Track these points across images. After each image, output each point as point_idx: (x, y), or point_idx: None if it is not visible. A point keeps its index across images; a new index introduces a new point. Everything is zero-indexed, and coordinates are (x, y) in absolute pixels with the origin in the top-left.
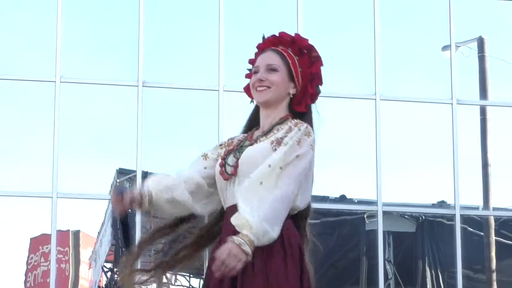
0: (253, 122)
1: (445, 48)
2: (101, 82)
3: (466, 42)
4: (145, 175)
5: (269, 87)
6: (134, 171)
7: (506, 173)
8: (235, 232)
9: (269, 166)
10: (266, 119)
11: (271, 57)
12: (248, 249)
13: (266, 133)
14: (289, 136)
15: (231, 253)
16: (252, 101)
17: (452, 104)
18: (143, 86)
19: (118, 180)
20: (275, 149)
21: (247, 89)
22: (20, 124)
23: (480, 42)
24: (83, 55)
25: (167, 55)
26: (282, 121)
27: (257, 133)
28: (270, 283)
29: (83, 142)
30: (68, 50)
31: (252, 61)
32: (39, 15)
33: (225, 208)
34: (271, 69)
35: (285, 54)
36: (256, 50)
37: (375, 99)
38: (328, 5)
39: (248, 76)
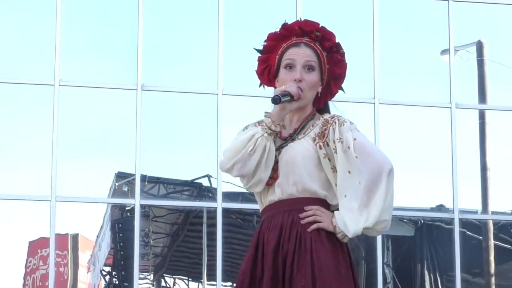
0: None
1: (444, 52)
2: (100, 85)
3: (465, 46)
4: (144, 178)
5: (304, 89)
6: (133, 175)
7: (505, 177)
8: (282, 229)
9: (359, 183)
10: (292, 115)
11: (308, 54)
12: (335, 222)
13: (300, 131)
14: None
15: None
16: (262, 85)
17: (451, 108)
18: (142, 90)
19: (116, 184)
20: (319, 146)
21: (260, 73)
22: (19, 127)
23: (479, 46)
24: (82, 59)
25: (166, 59)
26: (311, 117)
27: (287, 131)
28: (323, 278)
29: (82, 146)
30: (67, 54)
31: (273, 40)
32: (38, 18)
33: (264, 204)
34: (309, 68)
35: (318, 51)
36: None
37: (374, 103)
38: (327, 9)
39: (261, 59)
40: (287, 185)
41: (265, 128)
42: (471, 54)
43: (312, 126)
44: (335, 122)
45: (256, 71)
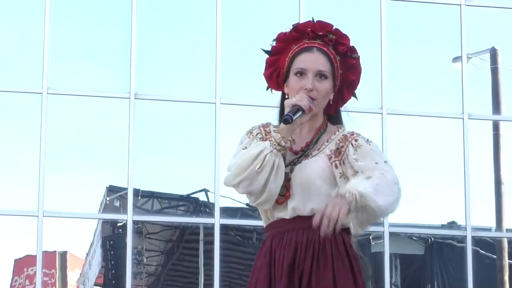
0: (280, 111)
1: (456, 59)
2: (90, 93)
3: (478, 53)
4: (136, 193)
5: (315, 99)
6: (125, 189)
7: None
8: (297, 248)
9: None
10: (303, 126)
11: (321, 62)
12: (350, 197)
13: (313, 145)
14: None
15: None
16: (270, 89)
17: (463, 119)
18: (135, 98)
19: (108, 198)
20: (335, 165)
21: (268, 76)
22: (4, 138)
23: (493, 53)
24: (71, 65)
25: (160, 66)
26: (324, 128)
27: (298, 144)
28: None
29: (71, 158)
30: (56, 60)
31: (282, 41)
32: (25, 22)
33: (272, 219)
34: (322, 76)
35: (332, 56)
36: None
37: (382, 113)
38: (331, 14)
39: (269, 61)
40: (302, 207)
41: (274, 144)
42: (484, 61)
43: (327, 141)
44: (353, 142)
45: (264, 74)
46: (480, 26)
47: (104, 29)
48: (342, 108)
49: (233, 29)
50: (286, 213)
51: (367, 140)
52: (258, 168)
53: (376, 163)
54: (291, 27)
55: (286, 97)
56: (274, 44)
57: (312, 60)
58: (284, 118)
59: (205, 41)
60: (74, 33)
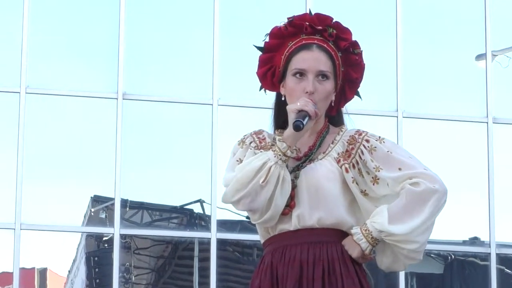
0: (280, 119)
1: (480, 57)
2: (73, 93)
3: (504, 50)
4: (124, 203)
5: (316, 102)
6: (112, 199)
7: None
8: (302, 266)
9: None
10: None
11: (322, 61)
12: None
13: (317, 149)
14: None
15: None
16: (263, 90)
17: (487, 123)
18: (123, 99)
19: (92, 210)
20: (346, 168)
21: (262, 76)
22: None
23: None
24: (52, 62)
25: (152, 63)
26: (326, 131)
27: (301, 149)
28: None
29: (51, 164)
30: (36, 56)
31: (277, 37)
32: (1, 15)
33: (272, 233)
34: (323, 76)
35: (333, 53)
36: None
37: (397, 116)
38: (340, 9)
39: (263, 59)
40: (308, 216)
41: (279, 155)
42: (511, 59)
43: (332, 143)
44: (365, 144)
45: (257, 73)
46: (506, 20)
47: (89, 23)
48: (344, 110)
49: (232, 23)
50: (290, 224)
51: (379, 137)
52: (262, 182)
53: (400, 168)
54: (286, 21)
55: (283, 99)
56: (267, 39)
57: (312, 59)
58: (296, 125)
59: (201, 37)
60: (55, 27)
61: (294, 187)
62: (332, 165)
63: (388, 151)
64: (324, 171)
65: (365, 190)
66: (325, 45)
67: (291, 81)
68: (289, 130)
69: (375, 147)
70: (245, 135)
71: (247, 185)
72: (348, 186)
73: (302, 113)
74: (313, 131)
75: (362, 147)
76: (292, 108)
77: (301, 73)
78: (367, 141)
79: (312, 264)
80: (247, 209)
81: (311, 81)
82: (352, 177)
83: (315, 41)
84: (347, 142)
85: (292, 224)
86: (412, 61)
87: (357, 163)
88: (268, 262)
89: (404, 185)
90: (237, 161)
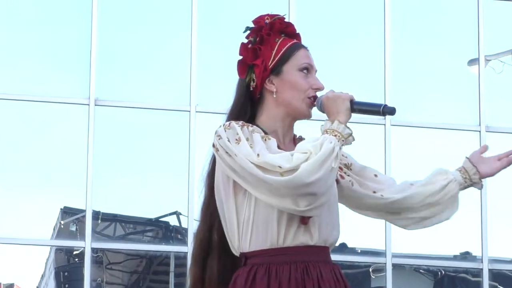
0: (242, 113)
1: (472, 62)
2: (42, 99)
3: (498, 55)
4: (96, 215)
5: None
6: (83, 211)
7: None
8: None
9: None
10: (289, 129)
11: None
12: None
13: None
14: None
15: None
16: (252, 82)
17: (480, 131)
18: (95, 105)
19: (62, 222)
20: (341, 176)
21: (242, 64)
22: None
23: None
24: (20, 65)
25: (125, 68)
26: (298, 137)
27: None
28: None
29: (18, 174)
30: (2, 60)
31: (259, 33)
32: None
33: (283, 243)
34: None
35: None
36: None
37: (385, 124)
38: (325, 7)
39: (248, 48)
40: (328, 232)
41: (342, 140)
42: (505, 64)
43: None
44: None
45: (239, 62)
46: (500, 24)
47: (60, 25)
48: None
49: (210, 27)
50: (310, 238)
51: None
52: (334, 167)
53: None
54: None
55: (258, 95)
56: (249, 39)
57: (311, 58)
58: (392, 108)
59: (179, 41)
60: (24, 29)
61: None
62: None
63: (362, 165)
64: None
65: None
66: None
67: (297, 75)
68: (345, 117)
69: (347, 157)
70: (235, 124)
71: (322, 167)
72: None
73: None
74: (291, 138)
75: None
76: (347, 96)
77: (306, 68)
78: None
79: (335, 285)
80: (313, 192)
81: (315, 76)
82: (350, 180)
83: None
84: None
85: (313, 236)
86: (401, 66)
87: (341, 167)
88: (286, 277)
89: None
90: (263, 138)
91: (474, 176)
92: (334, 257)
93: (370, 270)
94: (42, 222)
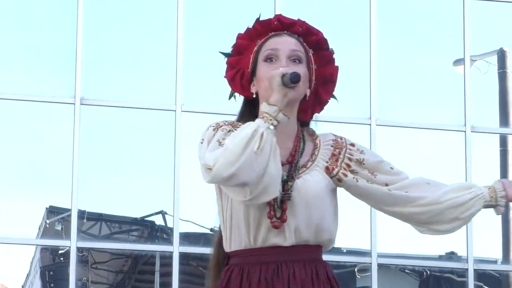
0: (246, 113)
1: (458, 62)
2: (28, 98)
3: (483, 55)
4: (81, 215)
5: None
6: (69, 210)
7: None
8: (304, 284)
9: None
10: (286, 125)
11: (293, 43)
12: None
13: (300, 156)
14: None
15: None
16: (233, 96)
17: (465, 132)
18: (81, 104)
19: (47, 221)
20: (344, 174)
21: (231, 80)
22: None
23: (501, 55)
24: (5, 64)
25: (111, 67)
26: (302, 135)
27: (282, 153)
28: None
29: (3, 173)
30: None
31: (245, 38)
32: None
33: (254, 243)
34: (296, 59)
35: (304, 45)
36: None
37: (370, 124)
38: (310, 9)
39: (231, 62)
40: (306, 231)
41: (270, 120)
42: (491, 65)
43: (315, 148)
44: (351, 148)
45: (225, 76)
46: (486, 24)
47: (45, 24)
48: (314, 117)
49: (197, 26)
50: (283, 239)
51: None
52: (257, 149)
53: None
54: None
55: (254, 96)
56: (235, 44)
57: (283, 42)
58: (294, 75)
59: (164, 40)
60: (9, 28)
61: (287, 199)
62: (324, 176)
63: (378, 160)
64: (318, 184)
65: (372, 175)
66: (295, 35)
67: (262, 68)
68: (276, 94)
69: (363, 151)
70: (219, 123)
71: (241, 155)
72: (335, 196)
73: (295, 72)
74: (289, 135)
75: (349, 150)
76: (277, 72)
77: (272, 58)
78: (352, 145)
79: (311, 284)
80: (240, 183)
81: (284, 60)
82: (354, 177)
83: (285, 32)
84: (332, 146)
85: (287, 238)
86: (386, 66)
87: (349, 165)
88: (256, 278)
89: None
90: (218, 141)
91: (500, 198)
92: None
93: (356, 270)
94: (28, 221)
